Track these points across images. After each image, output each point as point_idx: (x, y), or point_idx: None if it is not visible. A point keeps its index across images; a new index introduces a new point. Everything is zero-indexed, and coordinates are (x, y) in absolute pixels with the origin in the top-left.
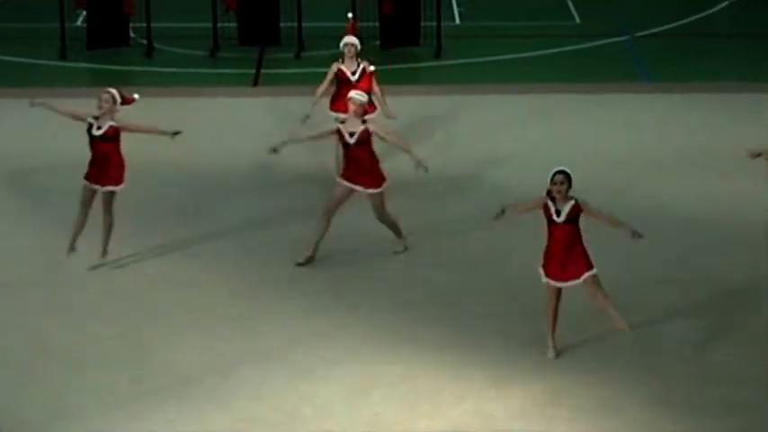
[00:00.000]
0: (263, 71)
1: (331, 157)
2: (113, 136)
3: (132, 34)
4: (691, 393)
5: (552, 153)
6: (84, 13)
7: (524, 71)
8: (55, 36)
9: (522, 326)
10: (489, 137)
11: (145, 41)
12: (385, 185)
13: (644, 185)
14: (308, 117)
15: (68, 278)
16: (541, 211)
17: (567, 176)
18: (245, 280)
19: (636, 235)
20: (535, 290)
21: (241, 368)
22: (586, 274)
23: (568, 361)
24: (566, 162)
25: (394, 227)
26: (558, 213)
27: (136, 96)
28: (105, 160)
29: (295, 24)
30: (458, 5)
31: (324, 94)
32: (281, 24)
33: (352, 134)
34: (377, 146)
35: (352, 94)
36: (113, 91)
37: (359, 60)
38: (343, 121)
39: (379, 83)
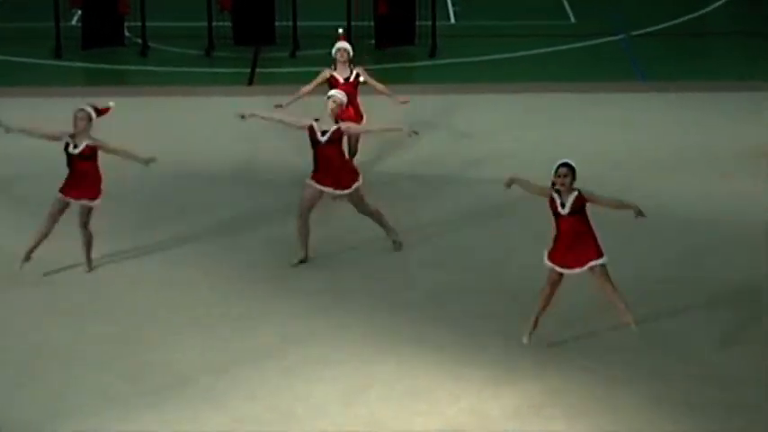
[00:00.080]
0: (258, 70)
1: None
2: (90, 154)
3: (127, 33)
4: (691, 393)
5: (549, 152)
6: (79, 12)
7: (519, 70)
8: (50, 35)
9: (521, 326)
10: (484, 136)
11: (140, 41)
12: (356, 184)
13: (643, 185)
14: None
15: (67, 278)
16: (547, 204)
17: (571, 169)
18: (242, 279)
19: (640, 214)
20: (535, 290)
21: (237, 368)
22: (592, 263)
23: (566, 360)
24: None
25: (379, 219)
26: (563, 205)
27: (111, 104)
28: (83, 177)
29: (290, 23)
30: (453, 5)
31: (306, 95)
32: (276, 23)
33: (324, 132)
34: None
35: (333, 92)
36: (89, 109)
37: (351, 67)
38: (317, 119)
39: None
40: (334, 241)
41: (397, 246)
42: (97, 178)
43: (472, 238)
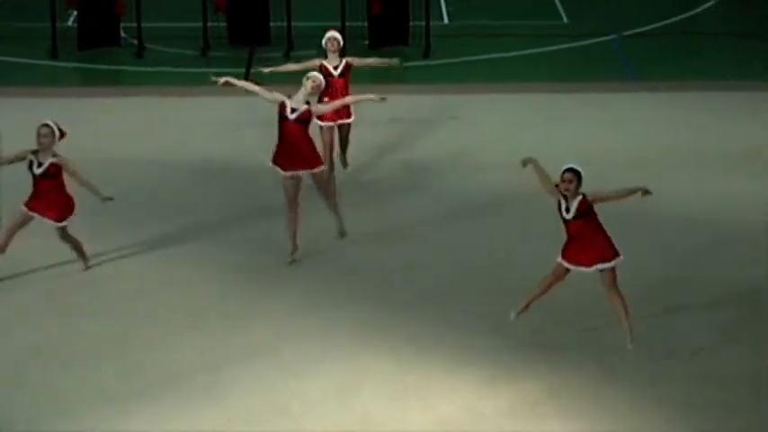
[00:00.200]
0: (252, 70)
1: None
2: (55, 173)
3: (123, 34)
4: (691, 393)
5: (544, 152)
6: (75, 13)
7: (512, 70)
8: (46, 36)
9: (518, 325)
10: (478, 136)
11: (136, 41)
12: (320, 168)
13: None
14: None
15: (66, 278)
16: (556, 207)
17: (576, 174)
18: (237, 279)
19: (647, 192)
20: (533, 289)
21: (232, 365)
22: (598, 265)
23: (566, 360)
24: (559, 161)
25: (335, 207)
26: (568, 210)
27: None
28: (48, 197)
29: (284, 24)
30: (447, 4)
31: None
32: (271, 24)
33: (294, 110)
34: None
35: (312, 73)
36: (53, 125)
37: (341, 58)
38: (289, 96)
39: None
40: (327, 240)
41: (342, 234)
42: (62, 197)
43: (469, 237)
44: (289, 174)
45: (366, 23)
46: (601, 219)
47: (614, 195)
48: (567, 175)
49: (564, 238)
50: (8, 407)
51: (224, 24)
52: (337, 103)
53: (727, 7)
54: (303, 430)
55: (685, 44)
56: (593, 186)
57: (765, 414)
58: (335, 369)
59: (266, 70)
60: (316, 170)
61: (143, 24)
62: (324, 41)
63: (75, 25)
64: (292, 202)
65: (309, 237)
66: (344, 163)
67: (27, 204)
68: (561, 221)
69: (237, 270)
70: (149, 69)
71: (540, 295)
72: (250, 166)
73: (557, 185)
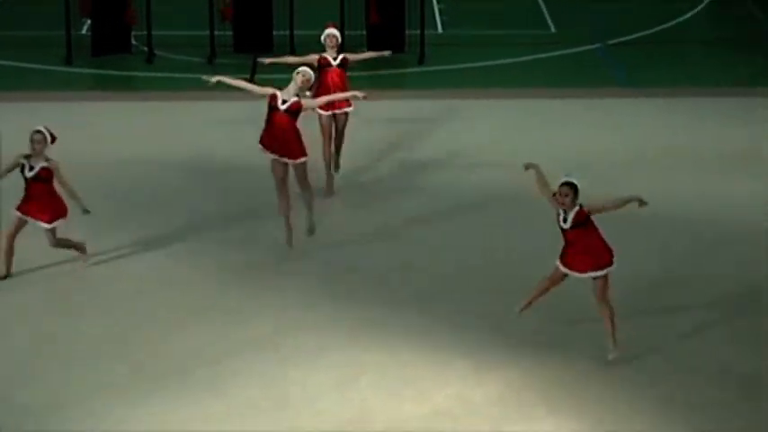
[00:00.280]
0: (257, 77)
1: (320, 155)
2: (47, 177)
3: (134, 42)
4: (691, 393)
5: (541, 156)
6: (89, 21)
7: (504, 77)
8: (61, 43)
9: (516, 323)
10: (475, 138)
11: (146, 48)
12: (305, 158)
13: (639, 187)
14: (262, 62)
15: (65, 277)
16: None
17: (573, 187)
18: (237, 275)
19: (642, 203)
20: (528, 288)
21: (233, 359)
22: (590, 273)
23: (565, 359)
24: (555, 166)
25: (309, 201)
26: (565, 221)
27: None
28: (39, 200)
29: (287, 32)
30: (438, 2)
31: (288, 64)
32: (274, 33)
33: (284, 101)
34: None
35: (302, 68)
36: (45, 131)
37: (339, 54)
38: (280, 88)
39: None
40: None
41: (310, 231)
42: (53, 200)
43: (464, 237)
44: (275, 156)
45: (364, 32)
46: (598, 224)
47: (611, 206)
48: (564, 189)
49: (560, 240)
50: (8, 406)
51: (230, 33)
52: (326, 98)
53: (712, 15)
54: (302, 421)
55: (672, 51)
56: (593, 187)
57: (765, 414)
58: (334, 363)
59: (267, 61)
60: (298, 161)
61: (153, 32)
62: (323, 37)
63: (89, 33)
64: (282, 184)
65: (310, 236)
66: (337, 165)
67: (19, 208)
68: (559, 229)
69: (237, 269)
70: (159, 75)
71: (539, 296)
72: (250, 166)
73: (554, 194)
